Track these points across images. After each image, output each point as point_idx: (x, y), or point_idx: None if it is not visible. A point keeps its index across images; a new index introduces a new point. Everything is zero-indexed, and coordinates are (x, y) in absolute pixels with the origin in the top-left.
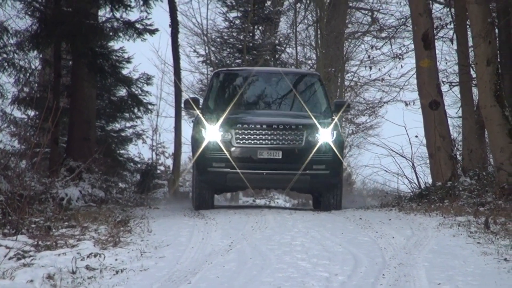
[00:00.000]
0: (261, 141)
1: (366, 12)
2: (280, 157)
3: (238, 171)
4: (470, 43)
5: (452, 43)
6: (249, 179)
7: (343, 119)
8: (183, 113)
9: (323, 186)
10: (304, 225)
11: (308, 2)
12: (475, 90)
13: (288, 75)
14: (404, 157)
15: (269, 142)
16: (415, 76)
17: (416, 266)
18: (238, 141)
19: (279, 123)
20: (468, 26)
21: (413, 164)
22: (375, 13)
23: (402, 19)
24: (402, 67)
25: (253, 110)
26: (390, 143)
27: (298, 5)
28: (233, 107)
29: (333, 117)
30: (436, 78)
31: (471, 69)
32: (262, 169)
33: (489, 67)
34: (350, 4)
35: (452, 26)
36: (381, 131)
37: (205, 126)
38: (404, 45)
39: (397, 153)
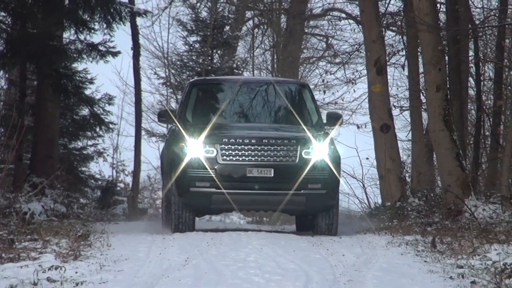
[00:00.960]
0: (250, 157)
1: (321, 38)
2: (272, 175)
3: (225, 191)
4: (421, 70)
5: (404, 69)
6: (237, 200)
7: None
8: (143, 132)
9: (319, 207)
10: (259, 242)
11: (265, 27)
12: (424, 115)
13: (274, 84)
14: (355, 178)
15: (259, 159)
16: (367, 100)
17: (365, 283)
18: (224, 157)
19: (270, 137)
20: (419, 53)
21: (363, 185)
22: (330, 39)
23: (356, 46)
24: (354, 91)
25: (238, 123)
26: (342, 164)
27: (256, 30)
28: (216, 119)
29: (327, 131)
30: (388, 102)
31: (421, 95)
32: (251, 189)
33: (439, 93)
34: (306, 30)
35: (404, 53)
36: None
37: (186, 141)
38: (357, 71)
39: (348, 174)
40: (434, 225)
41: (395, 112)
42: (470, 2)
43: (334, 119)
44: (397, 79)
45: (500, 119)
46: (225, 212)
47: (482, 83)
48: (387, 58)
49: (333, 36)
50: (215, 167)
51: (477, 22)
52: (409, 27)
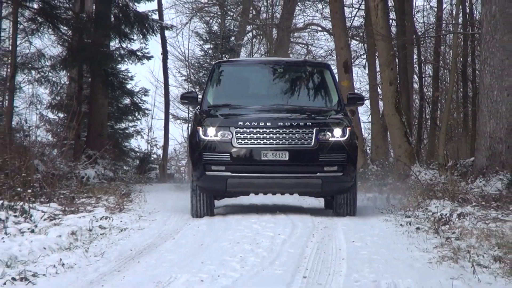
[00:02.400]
0: (265, 140)
1: (303, 45)
2: (287, 158)
3: (240, 175)
4: (377, 69)
5: (365, 69)
6: (252, 183)
7: None
8: (170, 116)
9: (336, 189)
10: (258, 198)
11: (261, 38)
12: (380, 103)
13: (295, 65)
14: None
15: (275, 142)
16: None
17: (336, 229)
18: (240, 141)
19: (285, 120)
20: (376, 57)
21: None
22: (309, 46)
23: (329, 51)
24: None
25: (256, 106)
26: None
27: (254, 40)
28: (234, 102)
29: (346, 112)
30: (353, 86)
31: (378, 88)
32: (266, 172)
33: (391, 87)
34: (292, 40)
35: (364, 56)
36: None
37: (202, 124)
38: None
39: None
40: (388, 186)
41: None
42: (414, 18)
43: (356, 99)
44: (360, 76)
45: (437, 106)
46: (242, 195)
47: (423, 79)
48: (352, 60)
49: (312, 44)
50: (231, 151)
51: (419, 33)
52: (368, 37)
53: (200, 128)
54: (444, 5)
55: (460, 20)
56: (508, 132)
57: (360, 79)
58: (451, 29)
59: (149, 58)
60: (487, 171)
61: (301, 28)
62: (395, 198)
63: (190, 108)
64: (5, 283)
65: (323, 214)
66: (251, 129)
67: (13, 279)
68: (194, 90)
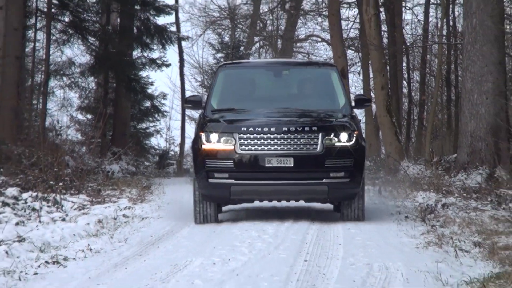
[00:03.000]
0: (269, 146)
1: (305, 54)
2: (292, 164)
3: (244, 182)
4: (371, 76)
5: (360, 75)
6: (257, 191)
7: None
8: (186, 117)
9: (343, 196)
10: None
11: (267, 48)
12: (373, 106)
13: (300, 66)
14: None
15: (279, 148)
16: None
17: (333, 217)
18: (243, 147)
19: (290, 125)
20: (369, 65)
21: None
22: (310, 55)
23: (328, 59)
24: None
25: (261, 109)
26: None
27: (261, 49)
28: (239, 105)
29: (354, 115)
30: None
31: (371, 92)
32: (271, 179)
33: (383, 91)
34: (294, 49)
35: (359, 64)
36: None
37: (205, 130)
38: None
39: None
40: (380, 179)
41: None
42: (403, 30)
43: (363, 101)
44: (355, 82)
45: (423, 108)
46: (246, 203)
47: (411, 84)
48: (348, 68)
49: (312, 53)
50: (234, 158)
51: (408, 43)
52: (363, 47)
53: (203, 134)
54: (430, 19)
55: (444, 32)
56: (487, 131)
57: (355, 84)
58: (436, 40)
59: (167, 65)
60: (468, 166)
61: (303, 39)
62: (386, 190)
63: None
64: (39, 266)
65: (323, 205)
66: (255, 135)
67: (46, 262)
68: (198, 94)
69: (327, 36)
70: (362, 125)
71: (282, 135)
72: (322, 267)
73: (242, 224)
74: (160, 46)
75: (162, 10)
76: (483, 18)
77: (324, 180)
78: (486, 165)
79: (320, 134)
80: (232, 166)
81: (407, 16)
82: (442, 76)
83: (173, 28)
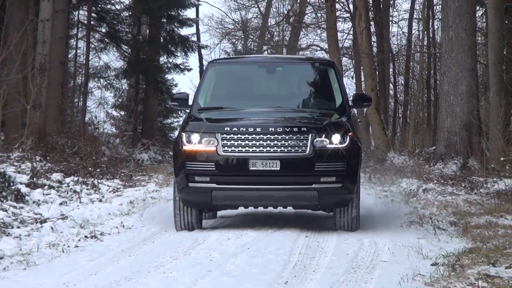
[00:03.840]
0: (254, 148)
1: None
2: (278, 168)
3: (226, 186)
4: (362, 79)
5: (353, 79)
6: (241, 196)
7: None
8: None
9: (334, 203)
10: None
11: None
12: None
13: (295, 63)
14: None
15: (265, 150)
16: None
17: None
18: (226, 148)
19: (277, 125)
20: (361, 70)
21: None
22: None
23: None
24: None
25: (251, 108)
26: None
27: None
28: (228, 104)
29: (351, 115)
30: None
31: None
32: (255, 184)
33: (372, 93)
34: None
35: (353, 70)
36: None
37: (185, 130)
38: None
39: None
40: (370, 168)
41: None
42: (390, 40)
43: (362, 100)
44: (348, 85)
45: (407, 107)
46: (230, 209)
47: (397, 87)
48: (343, 72)
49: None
50: (216, 160)
51: (394, 52)
52: (355, 55)
53: (184, 134)
54: (413, 31)
55: (425, 43)
56: (461, 127)
57: (349, 87)
58: (418, 49)
59: (189, 70)
60: (445, 157)
61: (305, 48)
62: (375, 177)
63: None
64: (79, 240)
65: None
66: (239, 136)
67: (86, 236)
68: (185, 92)
69: (325, 45)
70: None
71: (269, 136)
72: (320, 242)
73: (251, 209)
74: (183, 53)
75: (185, 22)
76: (458, 31)
77: (313, 185)
78: (460, 156)
79: (310, 135)
80: (214, 169)
81: (393, 28)
82: (423, 80)
83: (194, 38)
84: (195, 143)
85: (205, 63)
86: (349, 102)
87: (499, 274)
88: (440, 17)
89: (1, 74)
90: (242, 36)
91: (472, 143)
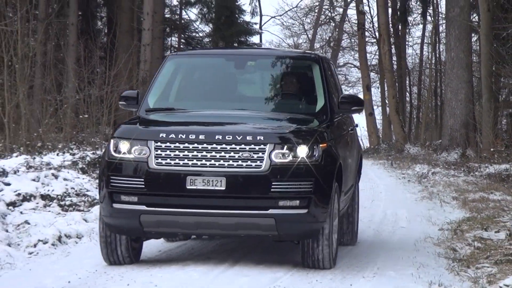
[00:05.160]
0: (194, 161)
1: (342, 75)
2: (224, 187)
3: (158, 209)
4: (386, 89)
5: (378, 88)
6: (176, 222)
7: None
8: None
9: (298, 233)
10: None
11: None
12: (387, 108)
13: (270, 57)
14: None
15: (208, 164)
16: None
17: (361, 181)
18: (159, 160)
19: (226, 132)
20: (384, 82)
21: (361, 139)
22: (346, 76)
23: (358, 78)
24: None
25: (204, 111)
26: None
27: None
28: (182, 105)
29: (334, 121)
30: (372, 104)
31: (385, 100)
32: (194, 207)
33: (393, 99)
34: (337, 72)
35: (378, 82)
36: None
37: (113, 136)
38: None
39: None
40: (391, 156)
41: (375, 107)
42: (407, 59)
43: (352, 103)
44: (375, 93)
45: (419, 110)
46: (170, 238)
47: (411, 94)
48: (371, 84)
49: (347, 74)
50: (146, 174)
51: (410, 68)
52: (380, 71)
53: (112, 141)
54: (424, 52)
55: (433, 61)
56: (460, 125)
57: (375, 95)
58: (428, 66)
59: None
60: (448, 148)
61: (342, 65)
62: (395, 163)
63: None
64: None
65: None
66: (177, 144)
67: None
68: (136, 91)
69: (357, 63)
70: (380, 120)
71: (214, 145)
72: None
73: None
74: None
75: (251, 46)
76: (458, 52)
77: (270, 211)
78: (460, 147)
79: (268, 146)
80: (143, 186)
81: (409, 50)
82: (431, 89)
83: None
84: (124, 152)
85: None
86: (336, 105)
87: (490, 237)
88: (444, 41)
89: (114, 85)
90: None
91: (469, 137)
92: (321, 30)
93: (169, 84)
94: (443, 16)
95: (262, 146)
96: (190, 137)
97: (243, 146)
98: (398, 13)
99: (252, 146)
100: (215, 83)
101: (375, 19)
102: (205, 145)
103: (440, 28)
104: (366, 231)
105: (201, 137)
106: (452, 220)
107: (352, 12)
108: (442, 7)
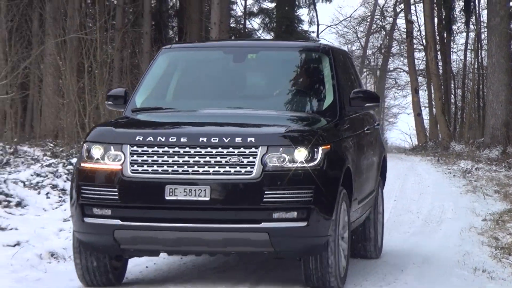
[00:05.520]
0: (175, 167)
1: (393, 79)
2: (208, 198)
3: (134, 224)
4: (432, 91)
5: (426, 91)
6: (155, 239)
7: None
8: None
9: (297, 249)
10: None
11: (371, 76)
12: (434, 109)
13: (273, 49)
14: (408, 134)
15: (190, 171)
16: (411, 104)
17: (411, 175)
18: (135, 167)
19: (213, 133)
20: (431, 85)
21: (410, 137)
22: (397, 79)
23: (407, 82)
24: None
25: (195, 110)
26: (403, 128)
27: (367, 76)
28: (171, 104)
29: (345, 119)
30: (419, 104)
31: (432, 101)
32: (175, 221)
33: (440, 101)
34: (387, 76)
35: (425, 85)
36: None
37: (86, 140)
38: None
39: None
40: (438, 153)
41: (422, 108)
42: (452, 64)
43: (363, 99)
44: (422, 96)
45: (463, 111)
46: (151, 255)
47: (456, 96)
48: (419, 87)
49: (397, 78)
50: (120, 184)
51: (454, 72)
52: (427, 74)
53: (84, 146)
54: (468, 58)
55: (476, 66)
56: (501, 125)
57: (422, 97)
58: (471, 71)
59: None
60: (490, 146)
61: (392, 70)
62: (441, 159)
63: None
64: None
65: (405, 166)
66: (155, 149)
67: None
68: (126, 89)
69: (406, 68)
70: (427, 120)
71: (198, 149)
72: (407, 205)
73: None
74: None
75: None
76: (498, 58)
77: (262, 224)
78: (501, 145)
79: (260, 149)
80: (117, 197)
81: (453, 56)
82: (474, 92)
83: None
84: (96, 158)
85: None
86: (348, 102)
87: None
88: (486, 48)
89: None
90: None
91: (509, 135)
92: (373, 38)
93: (160, 80)
94: (485, 25)
95: (253, 149)
96: (170, 140)
97: (231, 149)
98: (444, 22)
99: (242, 149)
100: (211, 79)
101: (422, 27)
102: (187, 149)
103: (482, 36)
104: (415, 222)
105: (183, 139)
106: (494, 211)
107: (401, 22)
108: (484, 17)
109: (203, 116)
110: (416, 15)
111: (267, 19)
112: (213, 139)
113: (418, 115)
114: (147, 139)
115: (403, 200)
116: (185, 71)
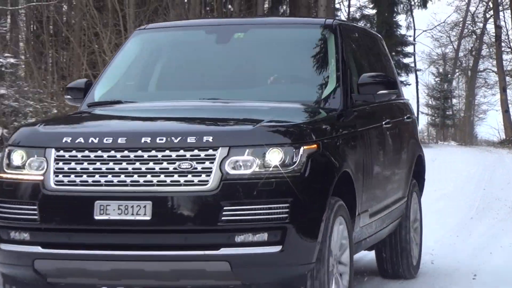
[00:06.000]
0: (109, 177)
1: (482, 78)
2: (149, 217)
3: (58, 252)
4: None
5: None
6: (82, 271)
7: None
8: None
9: (271, 282)
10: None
11: (463, 75)
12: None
13: (266, 27)
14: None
15: (128, 181)
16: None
17: (498, 167)
18: (60, 178)
19: (157, 133)
20: None
21: (499, 132)
22: (485, 79)
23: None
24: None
25: (160, 101)
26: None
27: (459, 76)
28: (136, 95)
29: (343, 110)
30: (507, 102)
31: None
32: (107, 248)
33: None
34: (477, 77)
35: None
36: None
37: (8, 143)
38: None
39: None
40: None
41: (510, 105)
42: None
43: (373, 85)
44: (510, 94)
45: None
46: None
47: None
48: (507, 86)
49: (487, 78)
50: (41, 199)
51: None
52: None
53: (5, 151)
54: None
55: None
56: None
57: (510, 95)
58: None
59: (409, 85)
60: None
61: (482, 70)
62: None
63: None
64: None
65: (493, 158)
66: (85, 153)
67: None
68: (87, 80)
69: (495, 69)
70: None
71: (139, 153)
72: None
73: None
74: (405, 74)
75: (406, 55)
76: None
77: (221, 251)
78: None
79: (219, 152)
80: (36, 217)
81: None
82: None
83: (412, 64)
84: (17, 166)
85: (420, 81)
86: (356, 89)
87: None
88: None
89: None
90: (443, 64)
91: None
92: (465, 42)
93: (129, 69)
94: None
95: (210, 152)
96: (105, 141)
97: (181, 152)
98: None
99: (196, 151)
100: (187, 65)
101: (510, 32)
102: (125, 153)
103: None
104: (503, 208)
105: (121, 140)
106: None
107: (490, 26)
108: None
109: (161, 111)
110: (504, 21)
111: (368, 24)
112: (159, 140)
113: (505, 111)
114: (76, 141)
115: (492, 188)
116: (158, 56)
